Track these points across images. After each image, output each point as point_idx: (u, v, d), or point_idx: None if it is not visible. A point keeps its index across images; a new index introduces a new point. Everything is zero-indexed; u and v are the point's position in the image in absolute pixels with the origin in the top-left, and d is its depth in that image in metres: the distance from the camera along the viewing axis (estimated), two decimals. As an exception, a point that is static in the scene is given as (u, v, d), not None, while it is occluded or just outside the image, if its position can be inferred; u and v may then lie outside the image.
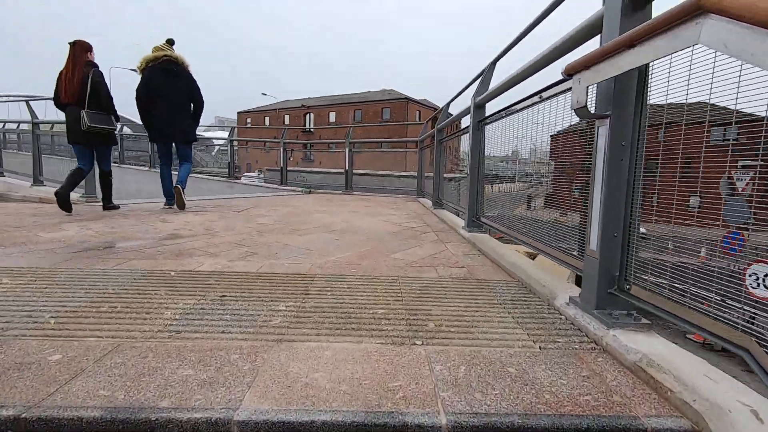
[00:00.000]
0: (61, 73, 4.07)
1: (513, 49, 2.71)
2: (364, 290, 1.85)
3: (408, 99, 41.62)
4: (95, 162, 4.43)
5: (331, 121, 44.74)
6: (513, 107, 2.54)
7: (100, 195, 4.71)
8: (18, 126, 7.93)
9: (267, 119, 49.38)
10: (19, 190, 6.84)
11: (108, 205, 4.45)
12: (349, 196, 7.66)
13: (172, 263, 2.23)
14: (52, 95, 4.16)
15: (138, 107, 4.36)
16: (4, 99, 9.40)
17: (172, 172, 4.74)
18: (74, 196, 5.72)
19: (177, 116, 4.42)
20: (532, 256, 3.30)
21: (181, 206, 4.50)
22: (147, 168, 12.44)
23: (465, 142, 4.06)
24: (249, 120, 51.73)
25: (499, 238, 3.01)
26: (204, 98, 4.60)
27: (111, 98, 4.23)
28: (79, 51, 4.07)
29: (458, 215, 4.64)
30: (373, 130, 40.42)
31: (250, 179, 11.85)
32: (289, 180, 9.50)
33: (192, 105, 4.55)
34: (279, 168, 9.49)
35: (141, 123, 4.52)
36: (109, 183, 4.47)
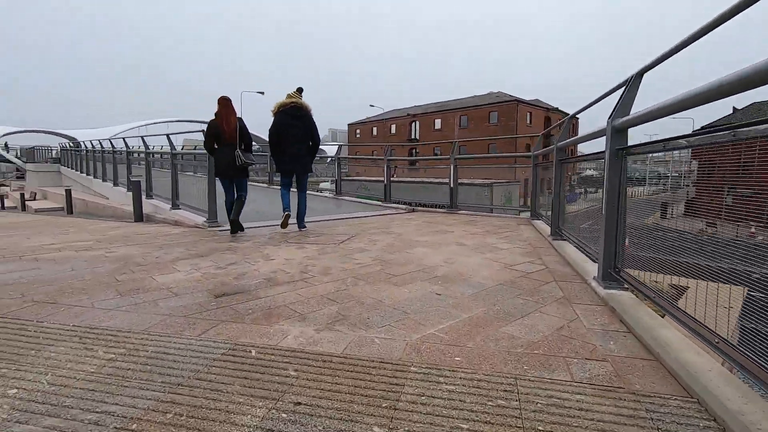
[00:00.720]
0: (214, 122, 4.98)
1: (665, 61, 2.02)
2: (470, 406, 1.40)
3: (518, 100, 39.39)
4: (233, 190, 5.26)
5: (436, 128, 44.49)
6: (677, 140, 1.85)
7: (220, 218, 5.58)
8: (161, 156, 9.11)
9: (375, 129, 51.14)
10: (161, 212, 7.79)
11: (234, 229, 5.09)
12: (454, 217, 7.17)
13: (258, 331, 2.05)
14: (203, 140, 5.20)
15: (269, 143, 5.26)
16: (151, 134, 10.91)
17: (292, 199, 5.39)
18: (199, 219, 6.26)
19: (299, 152, 5.19)
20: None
21: (284, 226, 5.19)
22: (266, 185, 13.51)
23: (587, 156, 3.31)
24: (358, 131, 54.16)
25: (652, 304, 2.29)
26: (319, 134, 5.39)
27: (252, 140, 5.20)
28: (230, 104, 5.05)
29: (583, 250, 3.87)
30: (481, 135, 39.08)
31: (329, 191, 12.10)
32: (371, 188, 9.37)
33: (311, 143, 5.30)
34: (384, 185, 9.40)
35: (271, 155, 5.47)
36: (242, 205, 5.18)
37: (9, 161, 40.57)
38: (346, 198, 10.49)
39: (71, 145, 27.90)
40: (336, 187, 11.11)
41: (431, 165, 11.89)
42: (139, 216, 8.09)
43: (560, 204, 4.66)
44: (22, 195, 21.06)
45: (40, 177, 25.38)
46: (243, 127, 5.02)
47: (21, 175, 34.00)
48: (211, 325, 2.13)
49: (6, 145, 40.51)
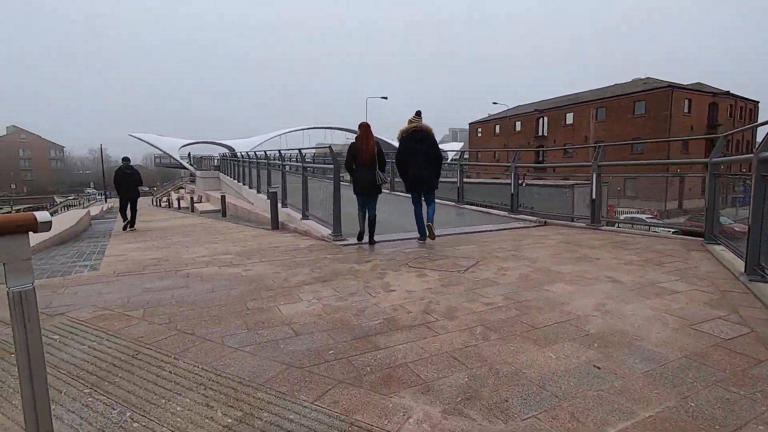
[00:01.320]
0: (355, 145, 5.59)
1: None
2: None
3: (672, 86, 33.59)
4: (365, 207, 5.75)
5: (567, 123, 40.58)
6: None
7: (345, 229, 5.97)
8: (294, 168, 9.78)
9: (497, 128, 48.95)
10: (293, 221, 8.34)
11: (372, 240, 5.65)
12: (598, 236, 6.14)
13: (376, 404, 1.78)
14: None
15: (397, 166, 5.83)
16: (289, 148, 11.80)
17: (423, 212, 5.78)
18: (325, 232, 6.46)
19: (424, 171, 5.59)
20: None
21: (432, 237, 5.63)
22: (388, 191, 13.70)
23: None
24: (480, 130, 52.51)
25: None
26: (442, 152, 5.94)
27: (386, 161, 5.85)
28: (369, 129, 5.63)
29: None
30: (624, 131, 34.42)
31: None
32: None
33: (435, 161, 5.64)
34: (511, 195, 8.64)
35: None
36: (374, 224, 5.71)
37: (185, 168, 49.36)
38: (468, 207, 9.96)
39: (229, 154, 32.58)
40: (457, 195, 10.65)
41: (562, 155, 10.63)
42: (275, 224, 8.80)
43: (762, 231, 3.51)
44: (192, 198, 25.20)
45: (205, 182, 30.18)
46: (380, 151, 5.60)
47: (193, 180, 41.03)
48: (327, 387, 1.94)
49: (189, 155, 49.28)
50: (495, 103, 44.05)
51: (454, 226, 7.17)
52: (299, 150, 8.50)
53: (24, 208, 39.73)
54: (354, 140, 5.74)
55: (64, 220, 10.02)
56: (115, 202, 24.40)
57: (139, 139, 51.70)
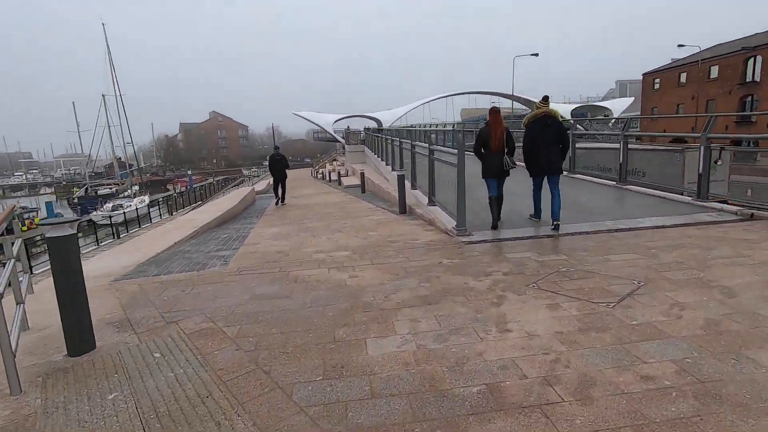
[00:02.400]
0: (485, 130, 5.51)
1: None
2: None
3: None
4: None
5: (795, 61, 30.29)
6: None
7: (469, 219, 5.51)
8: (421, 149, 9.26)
9: (683, 76, 39.61)
10: (421, 207, 7.91)
11: (495, 225, 5.53)
12: None
13: None
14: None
15: (523, 152, 5.62)
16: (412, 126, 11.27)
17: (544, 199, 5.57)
18: (450, 224, 5.85)
19: (550, 156, 5.40)
20: None
21: (557, 229, 5.25)
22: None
23: None
24: (658, 81, 43.42)
25: None
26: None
27: (515, 146, 5.63)
28: (498, 115, 5.56)
29: None
30: None
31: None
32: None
33: (561, 145, 5.50)
34: (698, 176, 6.55)
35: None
36: (500, 203, 5.65)
37: (338, 140, 53.52)
38: (633, 188, 7.99)
39: (374, 127, 33.85)
40: (620, 173, 8.63)
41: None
42: (402, 208, 8.51)
43: None
44: (339, 172, 27.03)
45: (353, 156, 32.03)
46: (510, 135, 5.48)
47: (344, 153, 44.26)
48: None
49: (348, 127, 53.27)
50: (681, 46, 35.24)
51: (611, 217, 5.73)
52: (426, 132, 7.93)
53: (221, 179, 48.74)
54: (484, 125, 5.69)
55: (223, 204, 11.60)
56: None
57: (300, 116, 57.75)
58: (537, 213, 5.79)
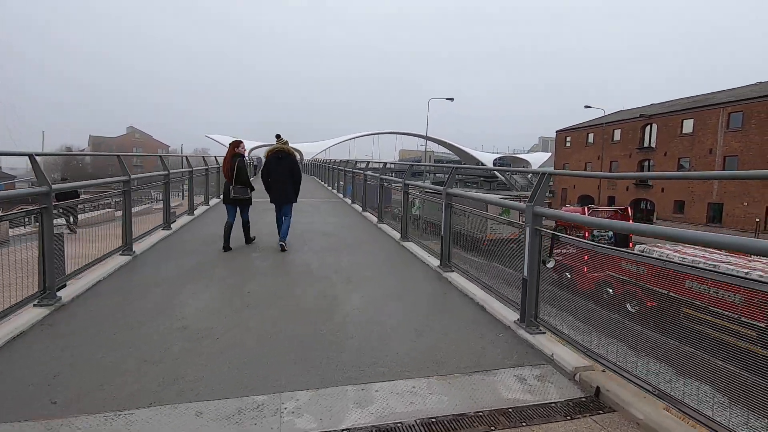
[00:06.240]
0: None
1: None
2: None
3: None
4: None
5: (684, 131, 31.96)
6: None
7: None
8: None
9: (591, 136, 41.23)
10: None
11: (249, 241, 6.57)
12: None
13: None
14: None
15: (262, 180, 6.63)
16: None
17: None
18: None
19: (284, 186, 6.41)
20: None
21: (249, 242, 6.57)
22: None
23: None
24: (569, 139, 45.07)
25: None
26: (302, 174, 6.83)
27: (248, 177, 6.40)
28: (230, 147, 6.47)
29: None
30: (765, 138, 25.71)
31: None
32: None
33: (293, 178, 6.47)
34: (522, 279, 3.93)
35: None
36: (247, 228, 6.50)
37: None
38: (456, 281, 5.13)
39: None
40: (441, 251, 5.76)
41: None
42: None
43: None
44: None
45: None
46: (240, 168, 6.19)
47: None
48: None
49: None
50: (588, 107, 36.48)
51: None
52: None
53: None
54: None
55: None
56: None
57: (212, 139, 53.36)
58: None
